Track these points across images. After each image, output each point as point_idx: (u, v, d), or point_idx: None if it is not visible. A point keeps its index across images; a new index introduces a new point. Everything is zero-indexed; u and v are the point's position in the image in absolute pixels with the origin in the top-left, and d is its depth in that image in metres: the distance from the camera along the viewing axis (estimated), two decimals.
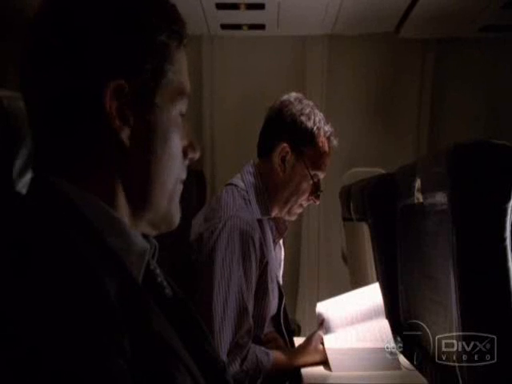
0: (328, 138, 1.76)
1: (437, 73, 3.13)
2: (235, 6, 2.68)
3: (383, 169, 2.98)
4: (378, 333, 1.70)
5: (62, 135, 0.68)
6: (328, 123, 1.77)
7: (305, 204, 1.82)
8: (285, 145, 1.71)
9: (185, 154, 0.76)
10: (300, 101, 1.75)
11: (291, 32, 3.06)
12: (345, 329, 1.72)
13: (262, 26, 2.96)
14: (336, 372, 1.62)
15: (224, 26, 2.96)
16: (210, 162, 3.17)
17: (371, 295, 1.79)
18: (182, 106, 0.74)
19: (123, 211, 0.70)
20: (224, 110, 3.14)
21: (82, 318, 0.52)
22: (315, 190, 1.77)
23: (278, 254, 1.85)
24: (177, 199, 0.76)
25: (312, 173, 1.74)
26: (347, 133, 3.16)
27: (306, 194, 1.77)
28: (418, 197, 1.70)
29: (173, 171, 0.73)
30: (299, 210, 1.83)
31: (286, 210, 1.77)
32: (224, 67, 3.14)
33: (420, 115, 3.16)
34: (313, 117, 1.73)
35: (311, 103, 1.77)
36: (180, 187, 0.77)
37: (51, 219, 0.61)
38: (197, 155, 0.78)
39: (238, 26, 2.97)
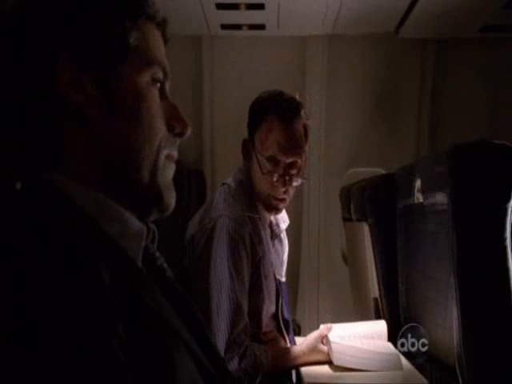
0: (278, 114, 1.62)
1: (437, 73, 3.13)
2: (235, 6, 2.68)
3: (383, 169, 2.98)
4: (383, 346, 1.70)
5: (26, 125, 0.67)
6: (296, 104, 1.65)
7: (280, 194, 1.65)
8: (245, 137, 1.70)
9: (170, 127, 0.73)
10: (272, 93, 1.67)
11: (291, 32, 3.05)
12: (350, 337, 1.72)
13: (262, 26, 2.96)
14: (337, 363, 1.62)
15: (224, 26, 2.96)
16: (210, 162, 3.17)
17: (375, 328, 1.79)
18: (151, 75, 0.71)
19: (109, 197, 0.68)
20: (224, 109, 3.14)
21: (75, 307, 0.52)
22: (283, 174, 1.63)
23: (280, 251, 1.84)
24: (164, 176, 0.72)
25: (266, 155, 1.62)
26: (347, 133, 3.17)
27: (272, 180, 1.63)
28: (418, 197, 1.71)
29: (150, 143, 0.69)
30: (280, 204, 1.69)
31: (265, 203, 1.69)
32: (224, 67, 3.14)
33: (420, 115, 3.16)
34: (266, 99, 1.65)
35: (291, 95, 1.68)
36: (170, 165, 0.73)
37: (44, 214, 0.61)
38: (186, 130, 0.74)
39: (238, 26, 2.96)
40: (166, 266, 0.79)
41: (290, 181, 1.64)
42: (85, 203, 0.65)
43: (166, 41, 0.76)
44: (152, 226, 0.76)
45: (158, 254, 0.78)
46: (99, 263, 0.58)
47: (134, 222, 0.70)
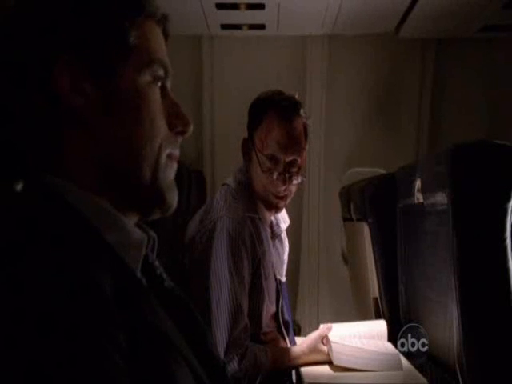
0: (277, 113, 1.63)
1: (437, 73, 3.13)
2: (235, 6, 2.67)
3: (383, 169, 2.98)
4: (383, 346, 1.70)
5: (25, 128, 0.67)
6: (295, 103, 1.67)
7: (280, 192, 1.67)
8: (244, 137, 1.71)
9: (171, 125, 0.72)
10: (272, 93, 1.69)
11: (291, 32, 3.05)
12: (350, 337, 1.72)
13: (262, 26, 2.96)
14: (337, 363, 1.62)
15: (224, 26, 2.96)
16: (210, 162, 3.17)
17: (375, 328, 1.79)
18: (152, 74, 0.70)
19: (109, 199, 0.68)
20: (224, 109, 3.14)
21: (75, 314, 0.51)
22: (283, 172, 1.64)
23: (281, 251, 1.84)
24: (166, 176, 0.71)
25: (266, 153, 1.63)
26: (347, 133, 3.17)
27: (272, 178, 1.64)
28: (418, 197, 1.71)
29: (151, 143, 0.69)
30: (280, 202, 1.70)
31: (265, 202, 1.70)
32: (224, 67, 3.14)
33: (420, 115, 3.16)
34: (265, 99, 1.67)
35: (290, 94, 1.69)
36: (171, 165, 0.73)
37: (44, 219, 0.60)
38: (188, 128, 0.73)
39: (237, 26, 2.96)
40: (165, 275, 0.78)
41: (290, 179, 1.65)
42: (86, 210, 0.64)
43: (166, 37, 0.75)
44: (152, 234, 0.75)
45: (157, 263, 0.77)
46: (99, 272, 0.57)
47: (135, 231, 0.69)
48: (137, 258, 0.69)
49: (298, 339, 1.86)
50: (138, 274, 0.70)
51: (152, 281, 0.75)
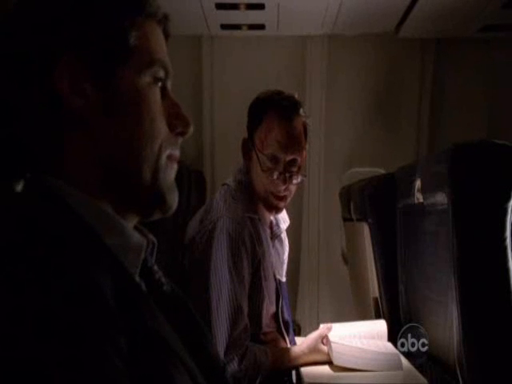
0: (277, 113, 1.64)
1: (436, 73, 3.13)
2: (235, 6, 2.68)
3: (383, 169, 2.98)
4: (383, 346, 1.70)
5: (25, 128, 0.66)
6: (294, 103, 1.67)
7: (280, 191, 1.67)
8: (244, 137, 1.71)
9: (171, 126, 0.72)
10: (271, 92, 1.69)
11: (291, 32, 3.06)
12: (350, 337, 1.72)
13: (261, 26, 2.96)
14: (337, 363, 1.62)
15: (224, 26, 2.96)
16: (210, 162, 3.17)
17: (375, 328, 1.79)
18: (152, 75, 0.70)
19: (109, 201, 0.68)
20: (224, 109, 3.14)
21: (76, 316, 0.51)
22: (283, 171, 1.64)
23: (281, 251, 1.84)
24: (166, 177, 0.71)
25: (266, 153, 1.63)
26: (347, 133, 3.17)
27: (272, 178, 1.64)
28: (418, 197, 1.71)
29: (152, 144, 0.69)
30: (280, 202, 1.70)
31: (265, 202, 1.70)
32: (224, 67, 3.14)
33: (420, 115, 3.16)
34: (265, 98, 1.67)
35: (289, 94, 1.70)
36: (172, 165, 0.73)
37: (44, 220, 0.60)
38: (188, 128, 0.73)
39: (237, 26, 2.96)
40: (164, 279, 0.78)
41: (290, 178, 1.66)
42: (86, 212, 0.64)
43: (167, 37, 0.75)
44: (152, 237, 0.75)
45: (156, 267, 0.77)
46: (100, 274, 0.57)
47: (134, 235, 0.69)
48: (135, 262, 0.69)
49: (298, 339, 1.86)
50: (137, 278, 0.70)
51: (151, 285, 0.74)
